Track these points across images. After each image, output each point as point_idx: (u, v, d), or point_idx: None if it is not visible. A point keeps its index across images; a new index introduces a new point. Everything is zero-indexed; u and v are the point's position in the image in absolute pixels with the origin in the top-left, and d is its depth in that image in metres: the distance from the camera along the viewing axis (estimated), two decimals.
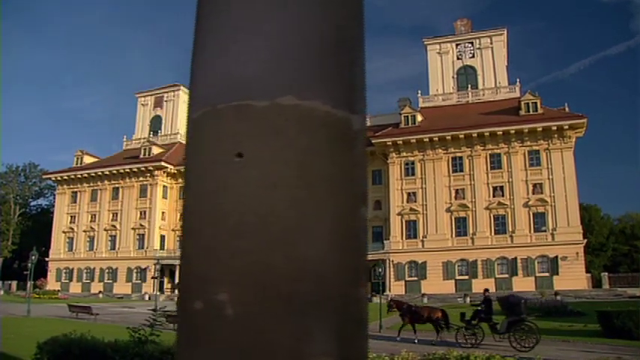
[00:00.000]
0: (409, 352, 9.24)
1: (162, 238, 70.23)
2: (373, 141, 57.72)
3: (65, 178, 75.60)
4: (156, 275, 45.70)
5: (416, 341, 20.22)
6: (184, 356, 1.20)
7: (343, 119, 1.27)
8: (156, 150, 72.99)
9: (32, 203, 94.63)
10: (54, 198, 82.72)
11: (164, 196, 71.19)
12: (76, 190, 75.31)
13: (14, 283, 75.79)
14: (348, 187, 1.24)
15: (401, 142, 57.16)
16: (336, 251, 1.14)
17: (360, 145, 1.33)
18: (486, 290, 22.67)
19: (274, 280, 1.09)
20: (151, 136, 78.86)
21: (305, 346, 1.06)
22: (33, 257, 34.27)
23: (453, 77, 63.89)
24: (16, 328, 21.70)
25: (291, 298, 1.08)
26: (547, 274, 50.41)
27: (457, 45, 64.80)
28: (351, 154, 1.28)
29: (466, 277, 52.82)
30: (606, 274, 54.64)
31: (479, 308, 20.84)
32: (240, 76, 1.25)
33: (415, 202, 56.58)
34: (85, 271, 71.49)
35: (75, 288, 70.12)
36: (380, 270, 32.51)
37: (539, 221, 52.48)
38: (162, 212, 70.72)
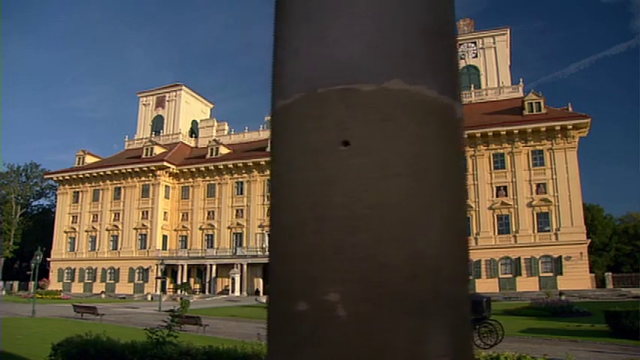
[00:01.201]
0: None
1: (165, 238, 70.10)
2: None
3: (67, 178, 75.55)
4: (160, 275, 45.52)
5: None
6: None
7: (448, 106, 1.19)
8: (158, 150, 72.91)
9: (34, 203, 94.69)
10: (55, 198, 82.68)
11: (166, 196, 71.10)
12: (77, 190, 75.27)
13: (16, 283, 75.76)
14: (456, 179, 1.17)
15: None
16: (448, 246, 1.10)
17: (462, 135, 1.27)
18: None
19: (390, 278, 1.03)
20: (153, 135, 78.84)
21: (422, 348, 1.01)
22: (38, 257, 34.15)
23: None
24: (24, 328, 21.61)
25: (407, 297, 1.02)
26: (551, 274, 50.32)
27: (460, 45, 64.71)
28: (457, 144, 1.21)
29: (469, 277, 52.72)
30: (610, 274, 54.54)
31: None
32: (344, 58, 1.16)
33: None
34: (87, 271, 71.43)
35: (77, 288, 70.06)
36: None
37: (542, 221, 52.36)
38: (165, 212, 70.62)
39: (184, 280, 65.03)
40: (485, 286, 51.07)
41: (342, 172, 1.09)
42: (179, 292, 62.94)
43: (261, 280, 62.78)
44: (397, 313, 1.01)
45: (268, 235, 1.50)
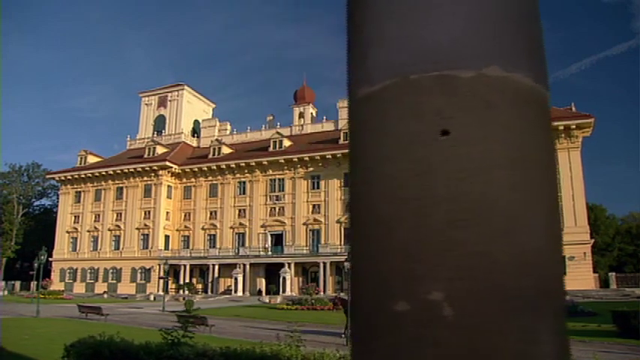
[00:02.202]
0: None
1: (167, 238, 70.05)
2: None
3: (69, 177, 75.49)
4: (163, 275, 45.38)
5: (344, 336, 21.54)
6: None
7: (543, 95, 1.16)
8: (160, 150, 72.83)
9: (35, 203, 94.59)
10: (57, 198, 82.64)
11: (168, 196, 71.03)
12: (79, 189, 75.22)
13: (17, 283, 75.70)
14: (553, 171, 1.15)
15: None
16: (551, 241, 1.06)
17: (551, 126, 1.23)
18: None
19: (499, 276, 0.98)
20: (155, 135, 78.74)
21: (533, 348, 0.96)
22: (42, 257, 34.05)
23: None
24: (29, 329, 21.53)
25: (517, 295, 0.97)
26: None
27: None
28: (551, 136, 1.18)
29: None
30: (614, 274, 54.29)
31: None
32: (438, 42, 1.12)
33: None
34: (89, 271, 71.39)
35: (79, 288, 70.01)
36: None
37: None
38: (167, 212, 70.57)
39: (187, 280, 64.96)
40: None
41: (443, 163, 1.05)
42: (181, 292, 62.88)
43: (263, 280, 62.71)
44: (507, 312, 0.96)
45: (350, 230, 1.40)
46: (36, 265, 36.73)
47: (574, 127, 52.39)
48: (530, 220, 1.04)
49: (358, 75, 1.27)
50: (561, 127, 52.38)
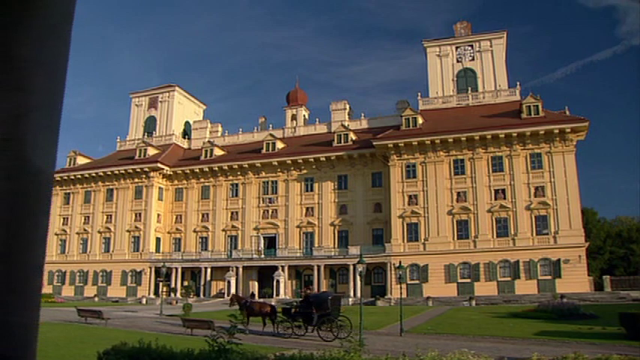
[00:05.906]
0: (540, 356, 8.81)
1: (158, 240, 69.16)
2: (374, 143, 57.43)
3: (57, 179, 74.04)
4: (162, 278, 44.56)
5: (247, 332, 22.73)
6: None
7: None
8: (151, 151, 71.90)
9: None
10: None
11: (159, 198, 70.19)
12: (68, 191, 74.03)
13: None
14: None
15: (402, 144, 56.80)
16: None
17: None
18: (308, 288, 26.17)
19: None
20: (145, 136, 77.76)
21: None
22: None
23: (452, 80, 63.56)
24: None
25: None
26: (549, 277, 50.34)
27: (457, 47, 64.56)
28: None
29: (468, 280, 52.50)
30: (608, 277, 54.52)
31: (295, 303, 23.32)
32: None
33: (416, 204, 56.24)
34: (78, 274, 70.21)
35: (67, 291, 68.82)
36: (401, 273, 32.06)
37: (541, 224, 52.35)
38: (158, 214, 69.70)
39: (178, 283, 64.13)
40: (484, 289, 50.96)
41: None
42: (172, 295, 62.12)
43: (256, 284, 62.16)
44: None
45: None
46: None
47: (569, 130, 52.60)
48: None
49: None
50: (556, 131, 52.66)
